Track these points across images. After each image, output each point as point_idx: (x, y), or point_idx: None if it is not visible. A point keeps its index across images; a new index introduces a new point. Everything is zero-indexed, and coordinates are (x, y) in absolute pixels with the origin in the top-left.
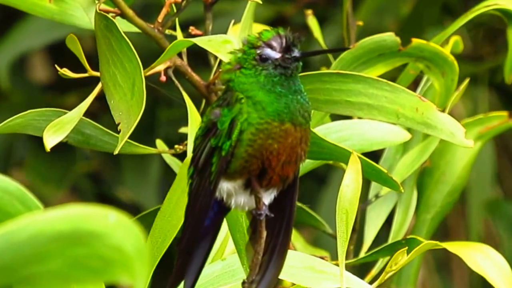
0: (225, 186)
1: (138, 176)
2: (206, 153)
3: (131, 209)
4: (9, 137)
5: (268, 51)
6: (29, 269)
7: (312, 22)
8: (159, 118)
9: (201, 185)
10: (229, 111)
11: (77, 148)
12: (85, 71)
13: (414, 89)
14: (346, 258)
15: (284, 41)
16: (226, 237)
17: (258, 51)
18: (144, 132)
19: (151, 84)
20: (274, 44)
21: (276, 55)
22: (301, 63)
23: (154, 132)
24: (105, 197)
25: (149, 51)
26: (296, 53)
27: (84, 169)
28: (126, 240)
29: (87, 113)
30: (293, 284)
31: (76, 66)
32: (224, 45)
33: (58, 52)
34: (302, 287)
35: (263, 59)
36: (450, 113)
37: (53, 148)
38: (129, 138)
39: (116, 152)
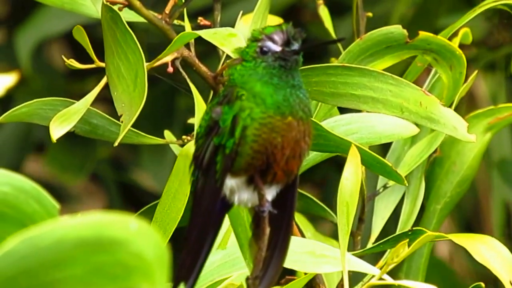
0: (229, 183)
1: (157, 162)
2: (210, 152)
3: (150, 196)
4: (27, 123)
5: (269, 44)
6: (51, 275)
7: (323, 12)
8: (178, 105)
9: (207, 184)
10: (229, 108)
11: None
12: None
13: (425, 81)
14: (354, 249)
15: (285, 35)
16: (229, 230)
17: (259, 44)
18: (163, 119)
19: (157, 75)
20: (276, 38)
21: (277, 48)
22: (301, 58)
23: (172, 120)
24: (124, 184)
25: (164, 38)
26: (295, 46)
27: (104, 155)
28: (147, 247)
29: (101, 100)
30: (305, 274)
31: (99, 52)
32: (229, 38)
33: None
34: (313, 274)
35: (264, 51)
36: (471, 100)
37: (72, 135)
38: (147, 125)
39: (116, 144)
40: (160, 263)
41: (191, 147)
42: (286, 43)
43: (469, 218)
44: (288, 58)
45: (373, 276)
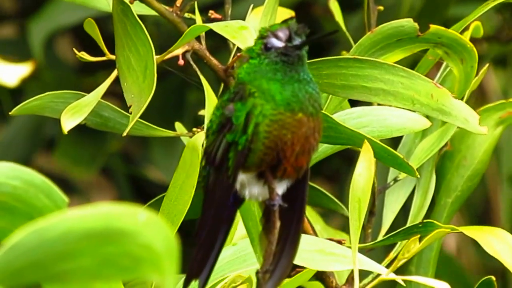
0: (239, 177)
1: (168, 156)
2: (222, 149)
3: (161, 189)
4: (38, 117)
5: (273, 41)
6: (59, 266)
7: (334, 5)
8: (189, 99)
9: (218, 179)
10: (242, 105)
11: None
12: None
13: (437, 74)
14: (365, 242)
15: (289, 31)
16: (236, 223)
17: (264, 41)
18: (173, 113)
19: (168, 67)
20: (280, 34)
21: (280, 44)
22: (305, 53)
23: (183, 114)
24: (135, 178)
25: (176, 31)
26: (297, 41)
27: (115, 149)
28: (155, 238)
29: (111, 94)
30: None
31: (109, 47)
32: (240, 31)
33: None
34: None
35: (268, 48)
36: (482, 95)
37: (83, 129)
38: (158, 119)
39: (124, 134)
40: (169, 253)
41: (198, 139)
42: (289, 38)
43: (480, 213)
44: (290, 54)
45: None
